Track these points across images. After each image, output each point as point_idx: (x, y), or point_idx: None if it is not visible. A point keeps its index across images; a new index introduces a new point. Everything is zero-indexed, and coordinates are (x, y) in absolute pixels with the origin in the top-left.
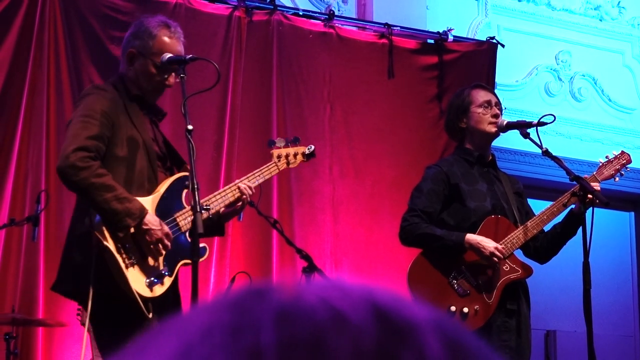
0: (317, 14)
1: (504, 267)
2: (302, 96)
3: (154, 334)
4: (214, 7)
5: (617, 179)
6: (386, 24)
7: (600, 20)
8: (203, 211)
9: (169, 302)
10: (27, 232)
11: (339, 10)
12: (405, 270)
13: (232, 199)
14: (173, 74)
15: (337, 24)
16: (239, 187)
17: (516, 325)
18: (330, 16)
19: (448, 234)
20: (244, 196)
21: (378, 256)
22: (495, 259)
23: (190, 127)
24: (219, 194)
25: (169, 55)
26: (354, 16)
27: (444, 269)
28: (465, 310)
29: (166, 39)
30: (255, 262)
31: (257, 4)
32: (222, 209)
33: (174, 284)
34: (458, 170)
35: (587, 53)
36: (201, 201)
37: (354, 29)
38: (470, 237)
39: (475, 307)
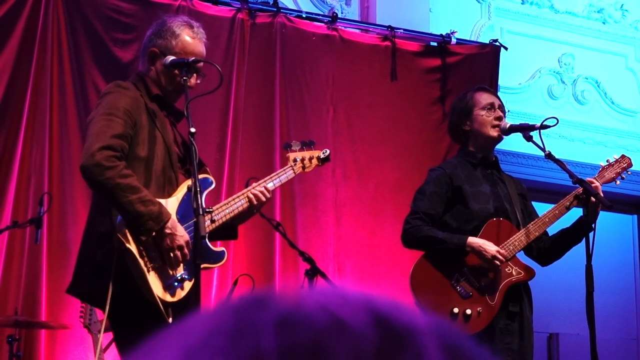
0: (320, 17)
1: (506, 270)
2: (305, 98)
3: (157, 340)
4: (217, 9)
5: (618, 182)
6: (389, 26)
7: (604, 23)
8: (206, 214)
9: (190, 306)
10: (29, 235)
11: (342, 13)
12: (408, 273)
13: (247, 203)
14: (195, 74)
15: (340, 27)
16: (247, 196)
17: (519, 327)
18: (333, 18)
19: (450, 236)
20: (252, 201)
21: (381, 259)
22: (497, 262)
23: (193, 129)
24: (238, 197)
25: (171, 57)
26: (357, 18)
27: (446, 271)
28: (468, 312)
29: (189, 38)
30: (258, 264)
31: (260, 6)
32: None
33: (196, 288)
34: (461, 173)
35: (590, 56)
36: (219, 204)
37: (357, 31)
38: (472, 240)
39: (478, 309)
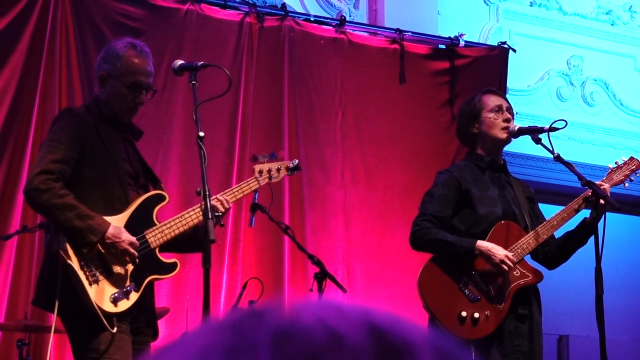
0: (328, 20)
1: (514, 273)
2: (314, 102)
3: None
4: (226, 13)
5: (626, 184)
6: (397, 29)
7: (612, 24)
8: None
9: (145, 315)
10: (39, 239)
11: (350, 16)
12: (417, 276)
13: (192, 223)
14: (144, 91)
15: (348, 30)
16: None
17: (528, 330)
18: (341, 22)
19: (459, 240)
20: (219, 209)
21: (389, 261)
22: (505, 266)
23: (201, 133)
24: (191, 211)
25: (180, 62)
26: (365, 22)
27: (454, 275)
28: (476, 315)
29: (134, 59)
30: (267, 268)
31: (269, 10)
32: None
33: (149, 298)
34: (469, 176)
35: (598, 58)
36: (174, 217)
37: (365, 34)
38: (480, 243)
39: (486, 313)
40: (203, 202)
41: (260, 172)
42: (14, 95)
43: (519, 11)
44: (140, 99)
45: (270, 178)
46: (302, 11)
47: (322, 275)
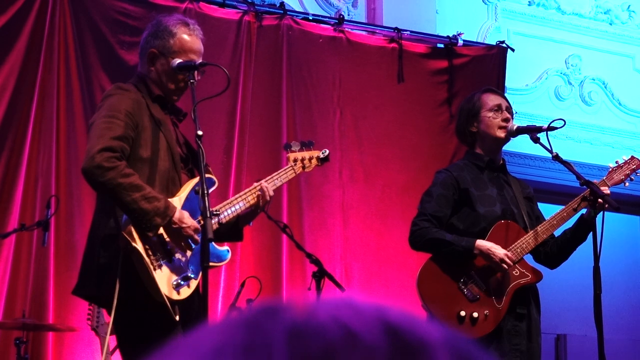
0: (326, 19)
1: (513, 272)
2: (312, 100)
3: (167, 353)
4: (224, 11)
5: (627, 184)
6: (396, 28)
7: (610, 24)
8: (213, 216)
9: (194, 305)
10: (37, 237)
11: (348, 15)
12: (416, 275)
13: (253, 201)
14: (195, 71)
15: (346, 29)
16: (261, 187)
17: (527, 329)
18: (340, 21)
19: (458, 239)
20: (265, 197)
21: (388, 260)
22: (505, 265)
23: (200, 132)
24: (240, 196)
25: (178, 60)
26: (363, 20)
27: (453, 274)
28: (475, 315)
29: (186, 36)
30: (265, 266)
31: (267, 9)
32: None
33: (204, 289)
34: (468, 175)
35: (597, 57)
36: (222, 204)
37: (364, 33)
38: (480, 243)
39: (485, 312)
40: (201, 202)
41: (295, 160)
42: (12, 93)
43: (517, 10)
44: (192, 80)
45: (304, 167)
46: (301, 10)
47: (321, 274)
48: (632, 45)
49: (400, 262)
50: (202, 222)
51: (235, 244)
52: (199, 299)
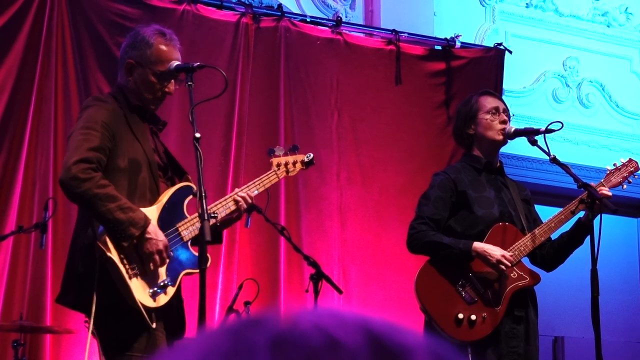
0: (324, 21)
1: (511, 275)
2: (310, 103)
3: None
4: (222, 13)
5: (624, 186)
6: (393, 30)
7: (608, 26)
8: (211, 219)
9: (173, 312)
10: (34, 240)
11: (346, 17)
12: (413, 277)
13: (233, 207)
14: (173, 81)
15: (344, 31)
16: (234, 199)
17: (524, 331)
18: (337, 23)
19: (455, 242)
20: (240, 205)
21: (385, 262)
22: (503, 266)
23: (197, 134)
24: (220, 203)
25: (176, 63)
26: (361, 22)
27: (451, 277)
28: (473, 317)
29: (163, 46)
30: (263, 268)
31: (265, 11)
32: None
33: (177, 294)
34: (465, 178)
35: (594, 59)
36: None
37: (362, 35)
38: (477, 245)
39: (483, 315)
40: (199, 204)
41: (278, 165)
42: (10, 95)
43: (515, 12)
44: (169, 89)
45: (287, 172)
46: (298, 12)
47: (318, 277)
48: (630, 47)
49: (398, 264)
50: (179, 230)
51: (232, 247)
52: (177, 305)
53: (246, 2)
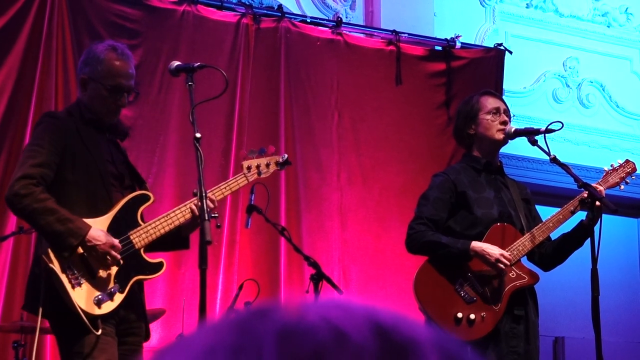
0: (324, 21)
1: (510, 274)
2: (310, 103)
3: (160, 353)
4: (222, 14)
5: (622, 187)
6: (394, 30)
7: (608, 26)
8: (211, 219)
9: (129, 317)
10: (35, 241)
11: (346, 17)
12: (413, 277)
13: (188, 215)
14: (125, 94)
15: (344, 31)
16: (190, 208)
17: (524, 331)
18: (337, 23)
19: (454, 241)
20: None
21: (386, 263)
22: (501, 265)
23: (198, 135)
24: (179, 209)
25: (177, 63)
26: (361, 23)
27: (450, 276)
28: (472, 317)
29: (115, 62)
30: (263, 269)
31: (265, 12)
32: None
33: (137, 298)
34: (465, 178)
35: (595, 59)
36: (159, 217)
37: (362, 35)
38: (475, 244)
39: (482, 314)
40: (199, 204)
41: (249, 167)
42: (11, 96)
43: (515, 13)
44: (122, 102)
45: (259, 174)
46: (299, 12)
47: (318, 277)
48: (630, 48)
49: (398, 264)
50: (131, 238)
51: (233, 247)
52: (136, 310)
53: (246, 2)
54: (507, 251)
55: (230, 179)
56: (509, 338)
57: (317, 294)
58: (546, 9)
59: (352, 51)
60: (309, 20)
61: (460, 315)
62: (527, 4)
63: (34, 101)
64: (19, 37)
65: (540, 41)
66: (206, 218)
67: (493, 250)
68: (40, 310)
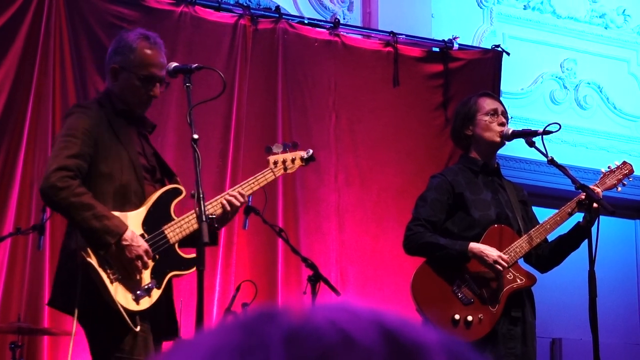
0: (322, 22)
1: (507, 276)
2: (308, 104)
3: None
4: (220, 15)
5: (619, 188)
6: (391, 32)
7: (606, 28)
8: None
9: (162, 314)
10: (32, 241)
11: (344, 19)
12: (410, 279)
13: (219, 210)
14: (157, 84)
15: (342, 32)
16: (225, 199)
17: (521, 332)
18: (335, 24)
19: (451, 243)
20: (230, 208)
21: (383, 264)
22: (499, 267)
23: (195, 136)
24: (210, 203)
25: (174, 64)
26: (359, 24)
27: (447, 278)
28: (470, 318)
29: (147, 50)
30: (261, 270)
31: (263, 13)
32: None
33: (167, 295)
34: (462, 180)
35: (592, 61)
36: (190, 212)
37: (359, 37)
38: (473, 246)
39: (480, 316)
40: (197, 205)
41: (275, 163)
42: (8, 96)
43: (512, 14)
44: (154, 92)
45: (285, 169)
46: (296, 14)
47: (316, 278)
48: (627, 49)
49: (395, 266)
50: (165, 232)
51: (230, 248)
52: (167, 306)
53: (244, 3)
54: (504, 253)
55: (258, 174)
56: (506, 340)
57: (314, 296)
58: (544, 11)
59: (349, 52)
60: (306, 22)
61: (457, 316)
62: (524, 6)
63: (32, 102)
64: (16, 37)
65: (538, 42)
66: (204, 219)
67: (491, 252)
68: (77, 306)
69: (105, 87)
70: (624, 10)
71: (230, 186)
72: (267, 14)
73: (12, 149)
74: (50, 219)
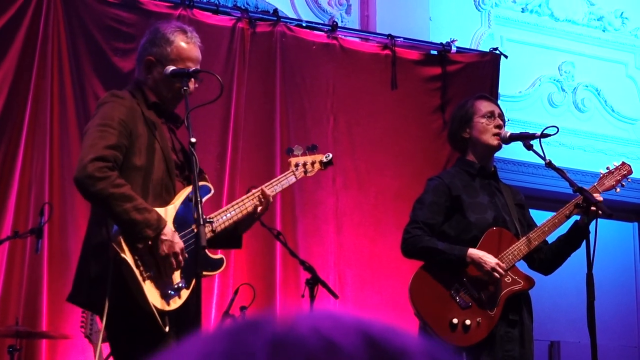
0: (320, 25)
1: (505, 279)
2: (306, 107)
3: None
4: (218, 18)
5: (618, 189)
6: (389, 35)
7: (604, 31)
8: (206, 224)
9: (189, 314)
10: (30, 245)
11: (342, 22)
12: (408, 282)
13: (250, 208)
14: (193, 79)
15: (340, 35)
16: (262, 192)
17: (519, 335)
18: (333, 27)
19: (450, 247)
20: (268, 202)
21: (381, 267)
22: (496, 274)
23: (193, 139)
24: (236, 203)
25: (172, 67)
26: (357, 27)
27: (445, 282)
28: (468, 322)
29: (183, 44)
30: (259, 273)
31: (261, 16)
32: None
33: (196, 295)
34: (459, 183)
35: (590, 64)
36: (218, 212)
37: (357, 40)
38: (472, 252)
39: (478, 320)
40: (194, 209)
41: (297, 165)
42: (6, 99)
43: (510, 17)
44: (190, 88)
45: (305, 172)
46: (294, 17)
47: (314, 281)
48: (625, 52)
49: (393, 269)
50: (195, 230)
51: (228, 251)
52: (195, 307)
53: (242, 7)
54: (502, 256)
55: (280, 176)
56: (504, 342)
57: (312, 299)
58: (541, 13)
59: (347, 55)
60: (304, 25)
61: (455, 321)
62: (522, 9)
63: (29, 105)
64: (14, 40)
65: (536, 45)
66: (201, 223)
67: (489, 259)
68: (107, 303)
69: (136, 79)
70: (622, 13)
71: (228, 190)
72: (265, 17)
73: (10, 152)
74: (48, 223)
